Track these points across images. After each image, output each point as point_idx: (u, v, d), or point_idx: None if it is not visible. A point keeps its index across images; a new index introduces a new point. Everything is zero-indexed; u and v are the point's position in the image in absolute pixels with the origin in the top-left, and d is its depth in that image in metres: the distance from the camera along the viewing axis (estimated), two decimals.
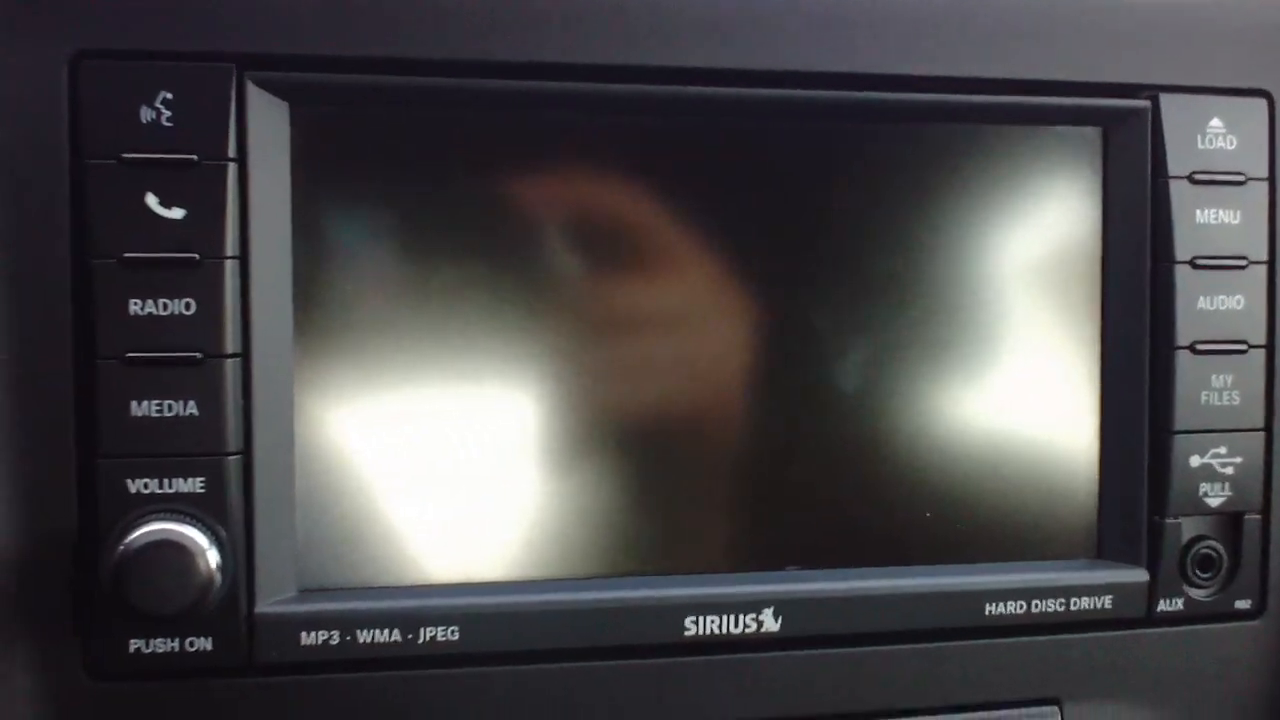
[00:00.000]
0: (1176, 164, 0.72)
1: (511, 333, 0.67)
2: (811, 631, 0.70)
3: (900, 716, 0.71)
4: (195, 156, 0.62)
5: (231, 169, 0.62)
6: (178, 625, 0.62)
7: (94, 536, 0.62)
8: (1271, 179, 0.73)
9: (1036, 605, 0.71)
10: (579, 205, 0.68)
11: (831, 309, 0.71)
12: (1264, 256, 0.73)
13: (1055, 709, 0.73)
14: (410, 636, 0.65)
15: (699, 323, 0.70)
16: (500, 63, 0.65)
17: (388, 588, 0.67)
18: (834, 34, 0.69)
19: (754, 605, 0.69)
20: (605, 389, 0.69)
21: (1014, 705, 0.73)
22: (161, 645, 0.63)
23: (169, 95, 0.62)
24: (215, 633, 0.63)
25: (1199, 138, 0.72)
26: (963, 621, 0.71)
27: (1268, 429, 0.74)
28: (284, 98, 0.64)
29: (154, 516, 0.61)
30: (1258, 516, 0.74)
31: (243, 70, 0.63)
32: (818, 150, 0.70)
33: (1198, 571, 0.73)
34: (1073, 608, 0.72)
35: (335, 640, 0.64)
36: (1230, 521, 0.74)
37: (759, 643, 0.69)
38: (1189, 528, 0.73)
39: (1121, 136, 0.72)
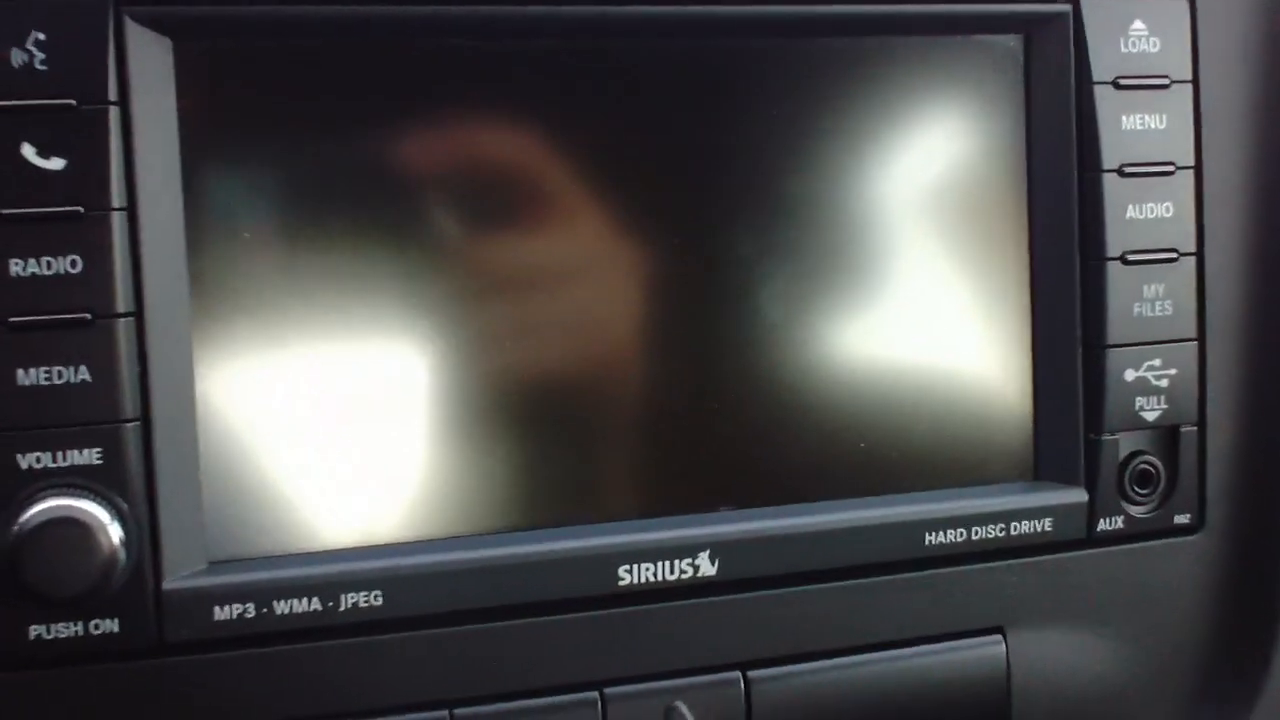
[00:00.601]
0: (1100, 69, 0.71)
1: (420, 281, 0.65)
2: (749, 573, 0.68)
3: (845, 654, 0.70)
4: (73, 101, 0.58)
5: (113, 113, 0.59)
6: (81, 607, 0.59)
7: None
8: (1195, 81, 0.73)
9: (976, 532, 0.71)
10: (482, 149, 0.66)
11: (749, 238, 0.69)
12: (1190, 161, 0.73)
13: (999, 637, 0.73)
14: (330, 604, 0.63)
15: (613, 264, 0.68)
16: None
17: (303, 554, 0.64)
18: None
19: (689, 550, 0.67)
20: (521, 337, 0.67)
21: (959, 635, 0.72)
22: (64, 629, 0.60)
23: (41, 36, 0.58)
24: (122, 612, 0.60)
25: (1122, 41, 0.71)
26: (903, 554, 0.70)
27: (1200, 338, 0.74)
28: (166, 34, 0.61)
29: (49, 492, 0.59)
30: (1194, 428, 0.74)
31: (120, 5, 0.59)
32: (726, 71, 0.68)
33: (1136, 488, 0.73)
34: (1013, 532, 0.71)
35: (250, 613, 0.62)
36: (1167, 435, 0.74)
37: (696, 588, 0.68)
38: (1126, 444, 0.73)
39: (1043, 43, 0.72)
